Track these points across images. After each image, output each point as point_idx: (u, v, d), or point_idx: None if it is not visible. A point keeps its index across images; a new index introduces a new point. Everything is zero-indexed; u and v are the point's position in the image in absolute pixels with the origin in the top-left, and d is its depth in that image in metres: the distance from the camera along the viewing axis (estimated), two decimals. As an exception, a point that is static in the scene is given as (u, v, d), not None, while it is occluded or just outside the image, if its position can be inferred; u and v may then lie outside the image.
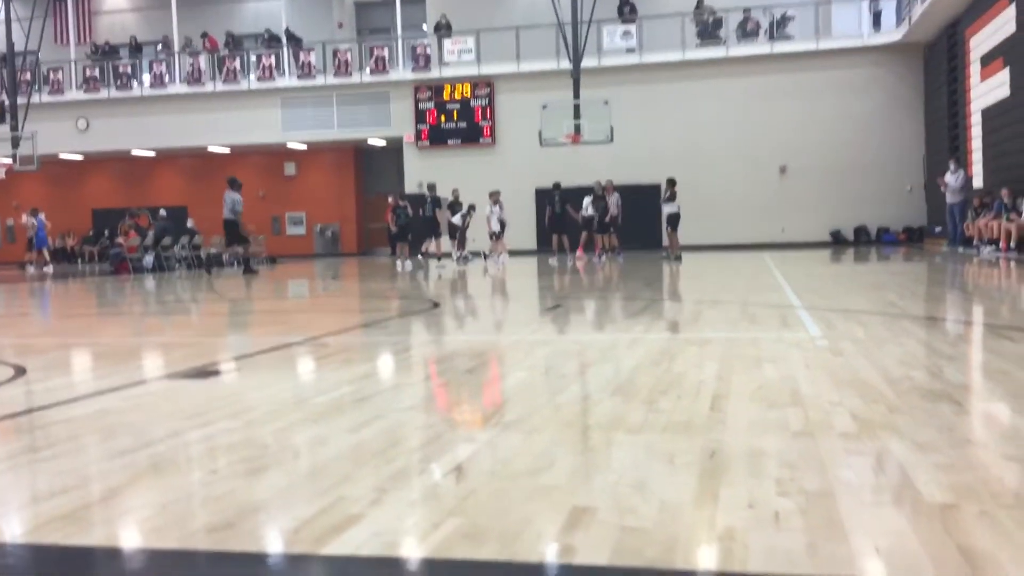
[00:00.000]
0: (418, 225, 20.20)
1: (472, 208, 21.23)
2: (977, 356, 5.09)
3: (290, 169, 31.20)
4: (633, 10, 26.55)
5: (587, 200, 20.48)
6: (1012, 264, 13.16)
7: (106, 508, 2.53)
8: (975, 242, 16.87)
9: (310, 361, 5.70)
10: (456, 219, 20.82)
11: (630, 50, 25.97)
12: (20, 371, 5.26)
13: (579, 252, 20.57)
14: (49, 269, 23.76)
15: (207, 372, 5.08)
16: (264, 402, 4.13)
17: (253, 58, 29.13)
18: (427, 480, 2.71)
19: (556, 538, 2.13)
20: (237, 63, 29.05)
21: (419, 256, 19.96)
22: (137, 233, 21.99)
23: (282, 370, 5.37)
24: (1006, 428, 3.15)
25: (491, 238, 20.66)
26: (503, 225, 20.89)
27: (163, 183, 31.86)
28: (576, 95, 21.63)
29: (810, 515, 2.24)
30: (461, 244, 20.97)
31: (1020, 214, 15.12)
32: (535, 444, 3.11)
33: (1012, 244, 14.90)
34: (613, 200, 20.27)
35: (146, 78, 29.77)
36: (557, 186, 21.69)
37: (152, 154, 30.65)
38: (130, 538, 2.31)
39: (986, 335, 5.84)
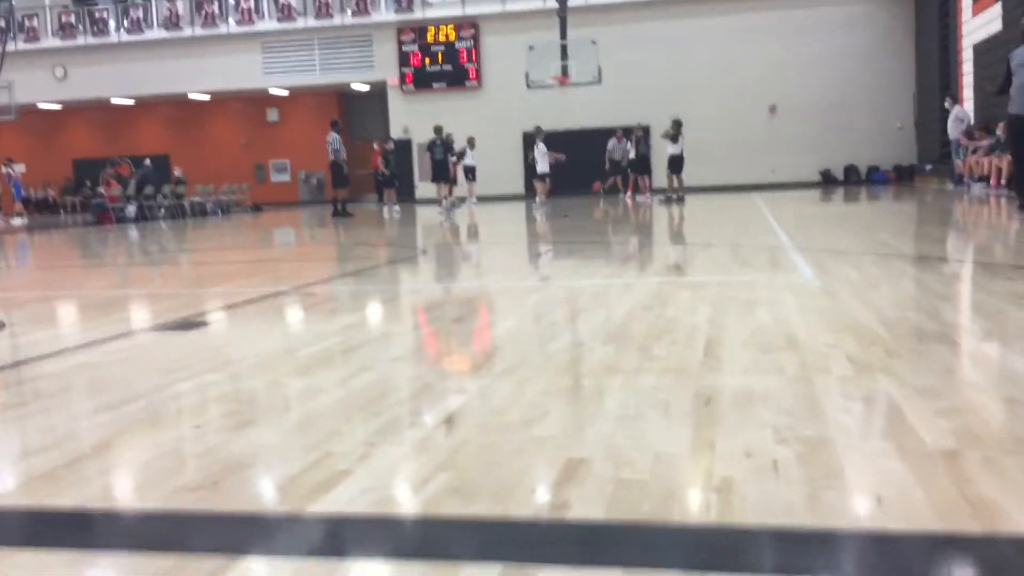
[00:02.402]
0: (434, 170, 19.88)
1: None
2: (972, 296, 5.03)
3: (272, 115, 30.81)
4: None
5: (623, 144, 21.32)
6: (1003, 201, 13.11)
7: (87, 467, 2.45)
8: (965, 179, 16.79)
9: (296, 311, 5.61)
10: (469, 160, 20.62)
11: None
12: (0, 325, 5.16)
13: (630, 193, 20.93)
14: (18, 221, 23.34)
15: (191, 324, 4.99)
16: (249, 354, 4.05)
17: (232, 0, 28.54)
18: (417, 433, 2.64)
19: (550, 492, 2.07)
20: (216, 6, 28.47)
21: (442, 203, 19.58)
22: (119, 183, 21.70)
23: (268, 321, 5.28)
24: (1005, 370, 3.10)
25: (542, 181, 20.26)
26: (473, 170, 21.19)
27: (144, 131, 31.43)
28: (563, 35, 21.29)
29: (809, 464, 2.19)
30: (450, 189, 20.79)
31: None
32: (527, 394, 3.05)
33: (1003, 181, 14.82)
34: (622, 145, 20.94)
35: (124, 23, 29.18)
36: (539, 130, 21.46)
37: (132, 102, 30.16)
38: (111, 498, 2.24)
39: (980, 274, 5.79)
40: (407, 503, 2.09)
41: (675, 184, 18.87)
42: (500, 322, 4.87)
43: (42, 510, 2.13)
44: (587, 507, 1.97)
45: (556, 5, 21.82)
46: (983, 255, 7.16)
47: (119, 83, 28.91)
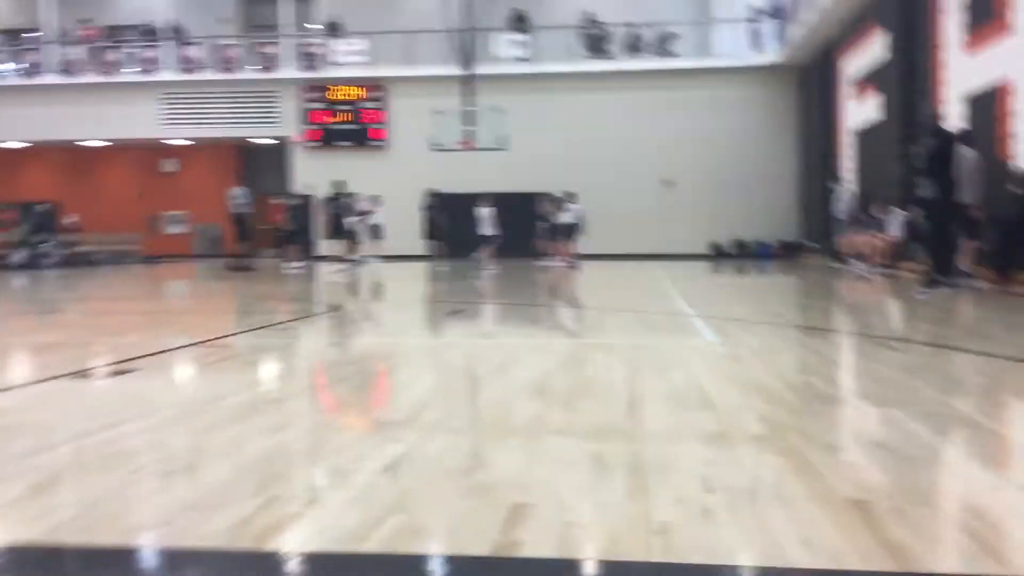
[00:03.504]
0: (333, 226, 19.73)
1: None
2: (864, 364, 5.38)
3: (169, 166, 30.25)
4: (524, 20, 26.88)
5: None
6: (880, 278, 13.91)
7: (32, 505, 2.44)
8: (845, 257, 17.73)
9: (211, 363, 5.57)
10: (376, 218, 20.66)
11: (522, 59, 26.27)
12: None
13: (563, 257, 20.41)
14: None
15: (108, 372, 4.92)
16: (173, 403, 4.03)
17: (133, 50, 28.10)
18: (361, 479, 2.71)
19: (500, 533, 2.18)
20: (115, 54, 27.97)
21: (340, 260, 19.42)
22: (7, 228, 20.92)
23: (186, 372, 5.23)
24: (904, 431, 3.36)
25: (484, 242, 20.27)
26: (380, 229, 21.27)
27: (33, 177, 30.37)
28: (469, 102, 21.74)
29: (738, 510, 2.36)
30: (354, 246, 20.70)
31: (885, 231, 15.98)
32: (463, 444, 3.15)
33: (879, 259, 15.72)
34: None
35: (16, 66, 28.35)
36: (435, 193, 21.61)
37: (21, 146, 29.18)
38: (65, 535, 2.23)
39: (869, 344, 6.18)
40: (363, 543, 2.16)
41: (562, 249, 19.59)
42: (421, 377, 4.95)
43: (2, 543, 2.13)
44: (537, 546, 2.09)
45: (460, 72, 22.31)
46: (870, 328, 7.63)
47: (9, 126, 27.96)
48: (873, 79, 17.82)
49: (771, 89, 25.59)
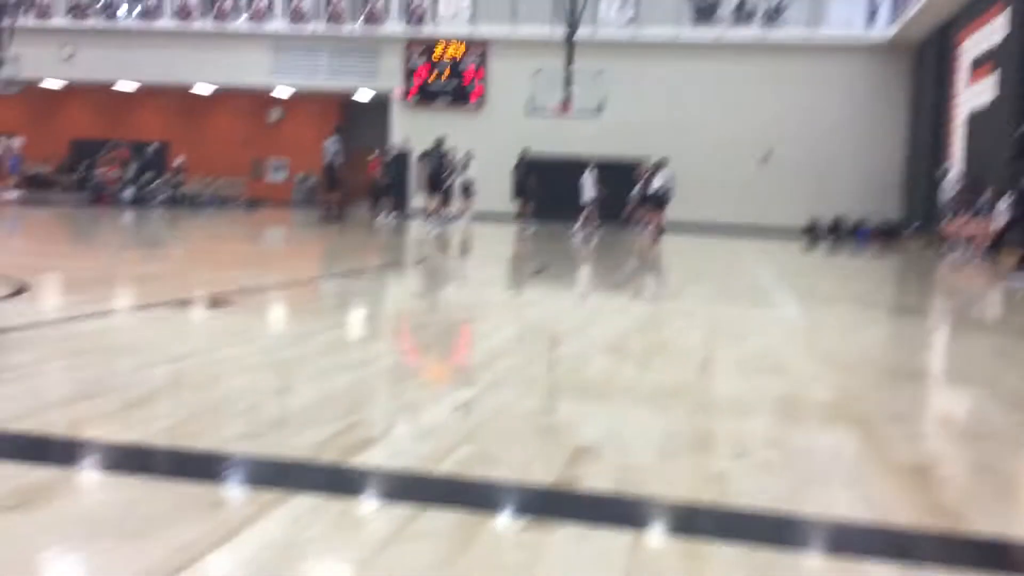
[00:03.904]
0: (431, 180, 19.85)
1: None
2: (950, 345, 5.32)
3: (274, 115, 31.02)
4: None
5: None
6: (980, 264, 13.50)
7: (129, 416, 2.66)
8: (948, 241, 17.22)
9: (306, 302, 5.82)
10: (472, 175, 20.85)
11: (629, 21, 25.96)
12: (20, 289, 5.33)
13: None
14: (12, 195, 23.03)
15: (205, 303, 5.20)
16: (265, 335, 4.27)
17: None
18: (436, 413, 2.87)
19: (564, 467, 2.31)
20: (228, 2, 28.69)
21: (432, 215, 19.54)
22: (119, 166, 21.81)
23: (279, 308, 5.49)
24: (981, 409, 3.36)
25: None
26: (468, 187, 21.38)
27: (144, 118, 31.52)
28: (570, 63, 21.67)
29: (796, 466, 2.44)
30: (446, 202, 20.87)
31: (991, 217, 15.45)
32: (535, 391, 3.28)
33: (982, 245, 15.23)
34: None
35: (134, 10, 29.34)
36: (527, 153, 21.54)
37: (134, 88, 30.27)
38: (166, 439, 2.44)
39: (955, 328, 6.09)
40: (436, 465, 2.31)
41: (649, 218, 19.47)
42: (500, 329, 5.09)
43: (109, 443, 2.36)
44: (597, 482, 2.21)
45: (563, 34, 22.22)
46: (960, 312, 7.47)
47: (125, 68, 29.03)
48: (991, 56, 17.14)
49: (882, 68, 24.78)
